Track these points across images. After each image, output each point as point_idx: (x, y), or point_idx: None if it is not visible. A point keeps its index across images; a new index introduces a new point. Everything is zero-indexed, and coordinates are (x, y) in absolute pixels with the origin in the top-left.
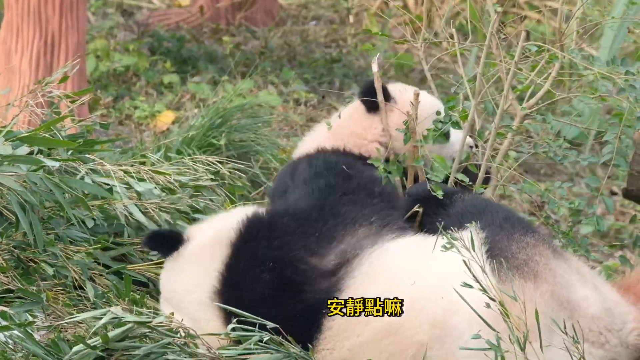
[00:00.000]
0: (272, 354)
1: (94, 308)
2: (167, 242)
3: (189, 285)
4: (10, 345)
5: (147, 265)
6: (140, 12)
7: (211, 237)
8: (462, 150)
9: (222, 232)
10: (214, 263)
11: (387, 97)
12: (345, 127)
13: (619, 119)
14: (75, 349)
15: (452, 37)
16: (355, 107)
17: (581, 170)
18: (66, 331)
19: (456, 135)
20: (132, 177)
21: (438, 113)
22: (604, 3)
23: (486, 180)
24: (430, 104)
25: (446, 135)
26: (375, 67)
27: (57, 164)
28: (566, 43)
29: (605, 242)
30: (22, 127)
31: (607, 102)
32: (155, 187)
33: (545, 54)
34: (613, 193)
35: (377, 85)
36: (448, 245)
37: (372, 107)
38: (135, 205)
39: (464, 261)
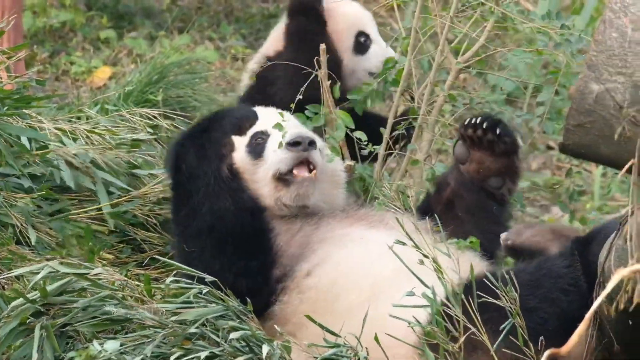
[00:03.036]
0: (210, 307)
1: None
2: None
3: None
4: None
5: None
6: None
7: None
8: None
9: None
10: None
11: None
12: None
13: (555, 77)
14: (13, 303)
15: None
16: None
17: (518, 126)
18: (3, 288)
19: (375, 50)
20: (67, 136)
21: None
22: None
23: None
24: (352, 16)
25: (364, 48)
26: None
27: None
28: None
29: (542, 197)
30: None
31: (544, 56)
32: (90, 147)
33: (481, 8)
34: (549, 147)
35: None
36: (381, 203)
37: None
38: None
39: (397, 218)
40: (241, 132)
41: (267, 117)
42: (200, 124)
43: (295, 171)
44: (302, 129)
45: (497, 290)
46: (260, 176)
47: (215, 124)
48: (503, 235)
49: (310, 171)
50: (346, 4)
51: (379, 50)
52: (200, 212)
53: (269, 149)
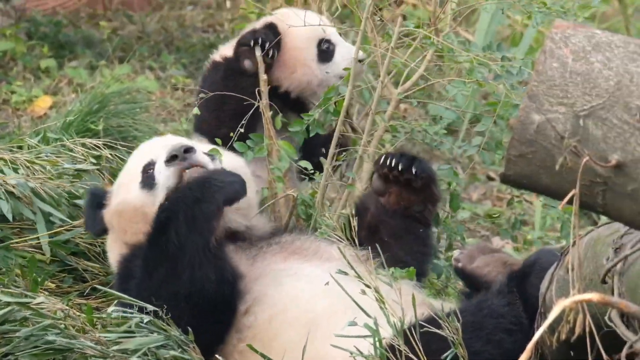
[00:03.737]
0: (152, 336)
1: None
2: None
3: None
4: None
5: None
6: None
7: None
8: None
9: None
10: None
11: (277, 34)
12: None
13: (493, 108)
14: None
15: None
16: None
17: (458, 155)
18: None
19: (342, 52)
20: (7, 166)
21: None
22: None
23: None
24: (308, 27)
25: (329, 54)
26: (258, 52)
27: None
28: (441, 27)
29: (483, 228)
30: None
31: (484, 87)
32: (31, 177)
33: (420, 38)
34: (490, 178)
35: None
36: (323, 233)
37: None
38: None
39: (339, 248)
40: (232, 204)
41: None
42: (194, 191)
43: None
44: (176, 141)
45: (439, 321)
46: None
47: (210, 196)
48: (455, 254)
49: None
50: (299, 16)
51: (344, 52)
52: (180, 277)
53: (157, 176)
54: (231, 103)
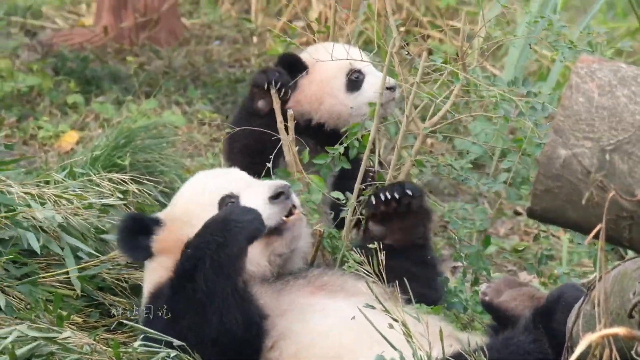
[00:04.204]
0: None
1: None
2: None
3: None
4: None
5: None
6: (44, 32)
7: None
8: (381, 96)
9: None
10: None
11: (303, 67)
12: None
13: (519, 145)
14: None
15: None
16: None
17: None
18: None
19: (370, 81)
20: (35, 200)
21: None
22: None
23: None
24: (333, 64)
25: (358, 84)
26: (272, 88)
27: None
28: (468, 62)
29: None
30: None
31: (510, 123)
32: (57, 211)
33: (446, 73)
34: (517, 213)
35: (276, 107)
36: (350, 267)
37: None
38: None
39: (367, 283)
40: (253, 242)
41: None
42: (217, 237)
43: (284, 218)
44: (274, 181)
45: (466, 356)
46: None
47: (233, 238)
48: (482, 288)
49: (291, 212)
50: (328, 49)
51: (373, 80)
52: (208, 322)
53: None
54: (240, 141)
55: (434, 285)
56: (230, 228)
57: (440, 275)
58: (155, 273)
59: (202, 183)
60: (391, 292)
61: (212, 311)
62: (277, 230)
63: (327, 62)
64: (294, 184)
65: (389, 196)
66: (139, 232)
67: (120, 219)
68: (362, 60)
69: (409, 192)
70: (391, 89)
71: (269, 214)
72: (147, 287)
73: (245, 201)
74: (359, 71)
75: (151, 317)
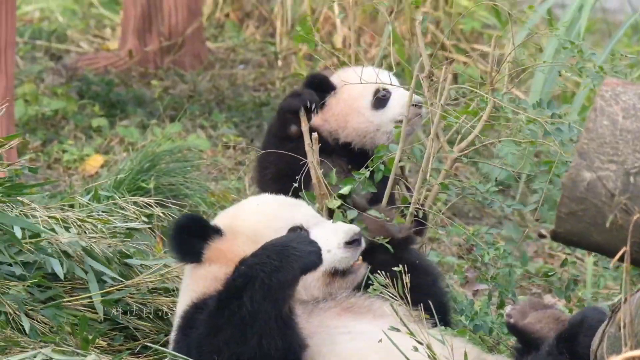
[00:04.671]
0: None
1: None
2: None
3: None
4: None
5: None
6: (68, 56)
7: None
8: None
9: None
10: None
11: (332, 87)
12: None
13: (549, 167)
14: None
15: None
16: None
17: (509, 213)
18: None
19: (396, 97)
20: (59, 224)
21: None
22: (532, 47)
23: (419, 231)
24: (367, 77)
25: (384, 102)
26: (302, 110)
27: None
28: (497, 87)
29: (535, 285)
30: None
31: (537, 146)
32: (81, 237)
33: (475, 98)
34: (541, 235)
35: (304, 129)
36: (376, 289)
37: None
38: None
39: (391, 305)
40: (306, 274)
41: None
42: (273, 260)
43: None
44: (351, 226)
45: None
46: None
47: (288, 265)
48: (507, 310)
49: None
50: (359, 70)
51: (400, 97)
52: (247, 342)
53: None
54: (271, 167)
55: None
56: (289, 255)
57: (437, 278)
58: (201, 282)
59: (274, 208)
60: (417, 315)
61: (252, 332)
62: (342, 272)
63: (356, 79)
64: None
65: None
66: (194, 235)
67: (180, 217)
68: (390, 84)
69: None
70: (417, 105)
71: (342, 258)
72: (189, 296)
73: (317, 238)
74: (386, 90)
75: (189, 327)
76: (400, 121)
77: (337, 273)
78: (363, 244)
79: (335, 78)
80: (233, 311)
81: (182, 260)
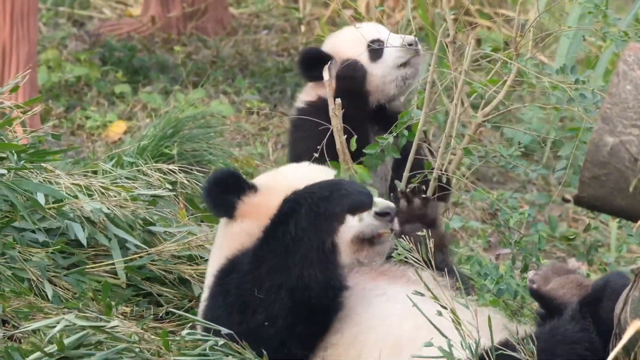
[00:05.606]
0: (227, 359)
1: (53, 312)
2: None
3: None
4: None
5: (104, 266)
6: (91, 22)
7: None
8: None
9: None
10: None
11: (327, 58)
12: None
13: (576, 134)
14: (31, 357)
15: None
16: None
17: (533, 178)
18: (20, 342)
19: (389, 50)
20: (82, 191)
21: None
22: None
23: (443, 197)
24: (355, 35)
25: (379, 52)
26: (326, 76)
27: (4, 171)
28: (521, 52)
29: (559, 250)
30: None
31: (560, 111)
32: (104, 202)
33: (498, 62)
34: (565, 200)
35: (329, 94)
36: (400, 254)
37: (309, 78)
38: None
39: (416, 270)
40: (354, 213)
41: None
42: (323, 191)
43: (380, 231)
44: (386, 201)
45: (516, 345)
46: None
47: (336, 198)
48: (530, 275)
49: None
50: (345, 31)
51: (394, 41)
52: (289, 271)
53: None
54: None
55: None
56: (340, 189)
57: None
58: (236, 238)
59: (314, 170)
60: (443, 279)
61: (294, 261)
62: (370, 241)
63: (346, 41)
64: (341, 174)
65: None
66: (229, 190)
67: (215, 172)
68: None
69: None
70: (411, 44)
71: (369, 224)
72: (223, 253)
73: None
74: (378, 40)
75: (226, 276)
76: (404, 65)
77: (366, 241)
78: (395, 224)
79: (327, 47)
80: (277, 238)
81: (216, 214)
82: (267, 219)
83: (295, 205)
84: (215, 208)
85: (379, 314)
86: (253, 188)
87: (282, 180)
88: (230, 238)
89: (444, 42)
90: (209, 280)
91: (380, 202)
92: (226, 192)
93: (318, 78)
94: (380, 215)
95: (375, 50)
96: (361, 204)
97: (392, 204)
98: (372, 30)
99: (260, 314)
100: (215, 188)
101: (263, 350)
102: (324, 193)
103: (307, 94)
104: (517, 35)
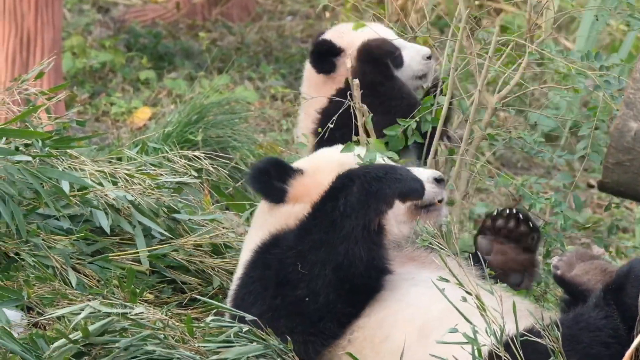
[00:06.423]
0: (251, 345)
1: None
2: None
3: None
4: None
5: (128, 254)
6: (116, 8)
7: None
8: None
9: None
10: None
11: (336, 52)
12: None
13: (594, 113)
14: (55, 344)
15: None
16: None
17: (558, 163)
18: (44, 328)
19: (410, 54)
20: (106, 178)
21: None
22: None
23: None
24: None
25: (400, 60)
26: (348, 63)
27: (29, 158)
28: (538, 34)
29: (583, 236)
30: None
31: (583, 95)
32: (128, 190)
33: (520, 48)
34: (590, 186)
35: (350, 77)
36: (424, 240)
37: (321, 70)
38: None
39: (440, 256)
40: (404, 200)
41: None
42: (377, 171)
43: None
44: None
45: (541, 331)
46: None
47: (389, 181)
48: (554, 261)
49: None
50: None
51: (411, 52)
52: (334, 247)
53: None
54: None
55: None
56: (394, 173)
57: None
58: (283, 218)
59: (358, 149)
60: (468, 265)
61: (339, 237)
62: (426, 208)
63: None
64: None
65: (511, 214)
66: (275, 177)
67: (260, 161)
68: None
69: (530, 224)
70: (430, 57)
71: (429, 190)
72: (267, 229)
73: (421, 175)
74: (395, 46)
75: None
76: (421, 77)
77: (423, 207)
78: (443, 192)
79: (337, 40)
80: (326, 212)
81: (269, 199)
82: (317, 198)
83: (348, 182)
84: (268, 196)
85: (407, 298)
86: (299, 171)
87: (328, 160)
88: (275, 217)
89: (465, 29)
90: (244, 257)
91: (435, 171)
92: (274, 179)
93: (327, 71)
94: (438, 181)
95: (396, 57)
96: (413, 192)
97: (439, 172)
98: (384, 33)
99: (302, 289)
100: (263, 176)
101: (287, 337)
102: (378, 173)
103: (325, 86)
104: (530, 18)
